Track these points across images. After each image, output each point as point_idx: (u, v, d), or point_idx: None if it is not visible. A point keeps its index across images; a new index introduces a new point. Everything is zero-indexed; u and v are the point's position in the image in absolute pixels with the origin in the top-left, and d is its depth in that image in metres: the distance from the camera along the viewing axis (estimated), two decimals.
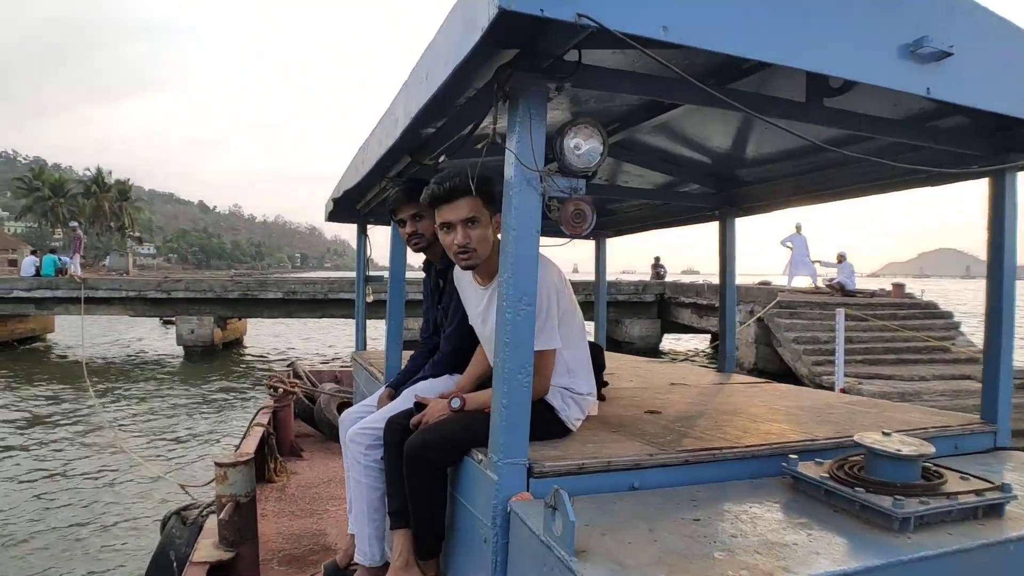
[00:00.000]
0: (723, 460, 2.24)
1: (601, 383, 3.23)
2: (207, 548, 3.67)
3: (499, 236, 2.43)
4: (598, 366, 3.14)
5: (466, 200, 2.34)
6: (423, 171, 3.13)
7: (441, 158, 2.75)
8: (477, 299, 2.60)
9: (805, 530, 1.73)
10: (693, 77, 2.20)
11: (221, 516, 3.60)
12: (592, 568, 1.49)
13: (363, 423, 2.78)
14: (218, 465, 3.68)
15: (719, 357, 4.62)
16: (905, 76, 1.94)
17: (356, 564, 2.91)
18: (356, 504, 2.81)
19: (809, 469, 2.06)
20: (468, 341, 2.81)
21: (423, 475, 2.29)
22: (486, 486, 2.00)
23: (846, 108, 2.43)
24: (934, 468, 2.02)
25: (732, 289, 4.52)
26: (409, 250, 3.44)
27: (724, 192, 4.27)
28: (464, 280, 2.67)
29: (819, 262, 19.82)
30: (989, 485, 1.93)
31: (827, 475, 1.99)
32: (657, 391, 3.64)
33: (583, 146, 1.91)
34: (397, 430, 2.50)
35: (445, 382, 2.89)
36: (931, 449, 1.95)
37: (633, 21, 1.51)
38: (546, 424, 2.35)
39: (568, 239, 2.45)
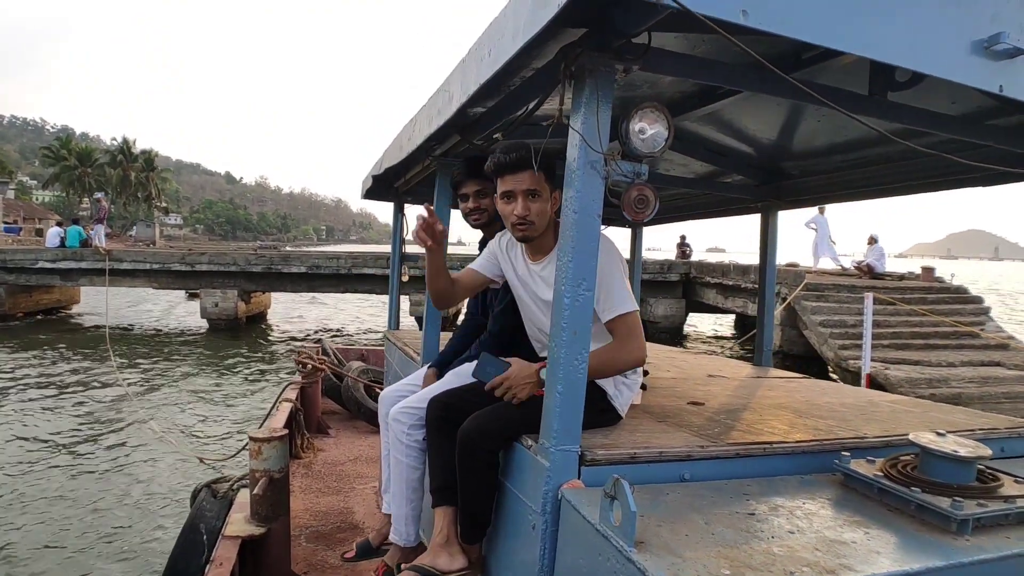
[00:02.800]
0: (773, 454, 2.22)
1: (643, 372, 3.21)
2: (239, 522, 3.70)
3: (554, 215, 2.42)
4: None
5: (530, 172, 2.34)
6: (471, 151, 3.12)
7: (496, 136, 2.72)
8: (523, 270, 2.60)
9: (861, 528, 1.71)
10: (751, 68, 2.18)
11: (255, 491, 3.62)
12: (652, 560, 1.47)
13: (406, 403, 2.77)
14: (253, 439, 3.70)
15: (755, 350, 4.58)
16: (978, 72, 1.89)
17: (390, 543, 2.91)
18: (395, 484, 2.81)
19: (861, 467, 2.04)
20: (516, 322, 2.80)
21: (476, 461, 2.28)
22: (536, 472, 1.99)
23: (906, 103, 2.39)
24: (988, 471, 1.98)
25: (771, 283, 4.48)
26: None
27: (768, 184, 4.21)
28: (513, 250, 2.66)
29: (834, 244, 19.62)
30: None
31: (880, 473, 1.96)
32: (696, 382, 3.62)
33: (648, 130, 1.89)
34: (441, 408, 2.49)
35: None
36: (988, 452, 1.92)
37: (714, 4, 1.48)
38: (598, 412, 2.33)
39: (604, 226, 2.43)
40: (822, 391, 3.50)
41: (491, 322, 3.02)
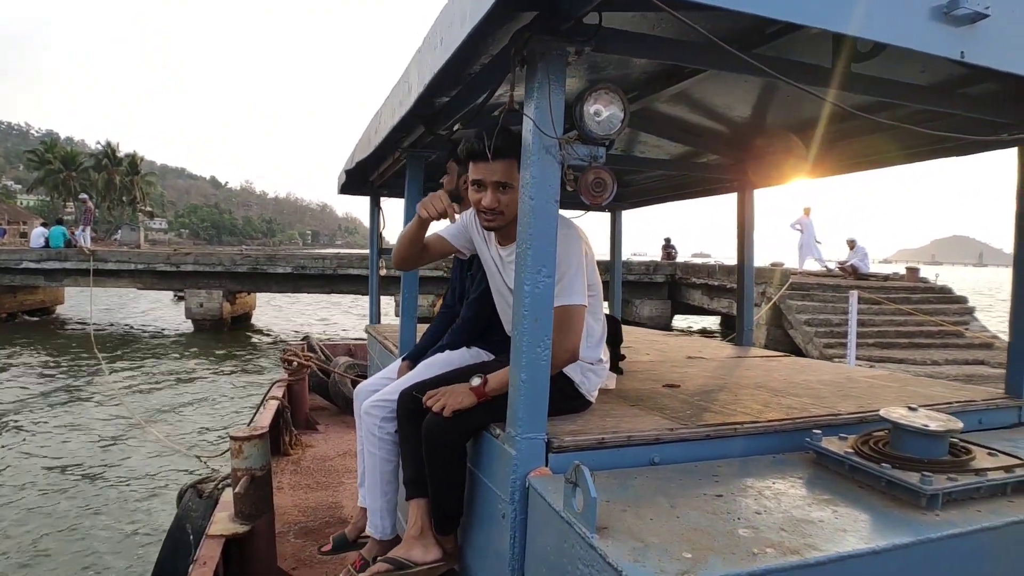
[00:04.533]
0: (744, 435, 2.20)
1: (618, 357, 3.19)
2: (223, 521, 3.68)
3: None
4: (616, 339, 3.10)
5: (502, 163, 2.29)
6: (436, 141, 3.08)
7: (455, 127, 2.68)
8: (496, 253, 2.56)
9: (830, 507, 1.69)
10: (711, 46, 2.14)
11: (237, 490, 3.60)
12: (613, 545, 1.45)
13: (378, 395, 2.74)
14: (233, 439, 3.67)
15: (736, 330, 4.57)
16: (938, 39, 1.86)
17: (367, 537, 2.89)
18: (369, 476, 2.79)
19: (833, 444, 2.02)
20: (490, 310, 2.77)
21: (443, 454, 2.25)
22: (504, 461, 1.97)
23: (874, 74, 2.36)
24: (961, 444, 1.97)
25: (751, 262, 4.46)
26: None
27: (743, 163, 4.19)
28: (484, 233, 2.62)
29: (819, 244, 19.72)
30: (1018, 461, 1.89)
31: (851, 450, 1.95)
32: (674, 364, 3.60)
33: (603, 112, 1.85)
34: (410, 400, 2.46)
35: (462, 355, 2.84)
36: (959, 424, 1.90)
37: None
38: (566, 399, 2.31)
39: (585, 211, 2.40)
40: (800, 369, 3.49)
41: (464, 308, 2.99)
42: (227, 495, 3.98)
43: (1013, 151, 2.69)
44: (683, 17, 1.48)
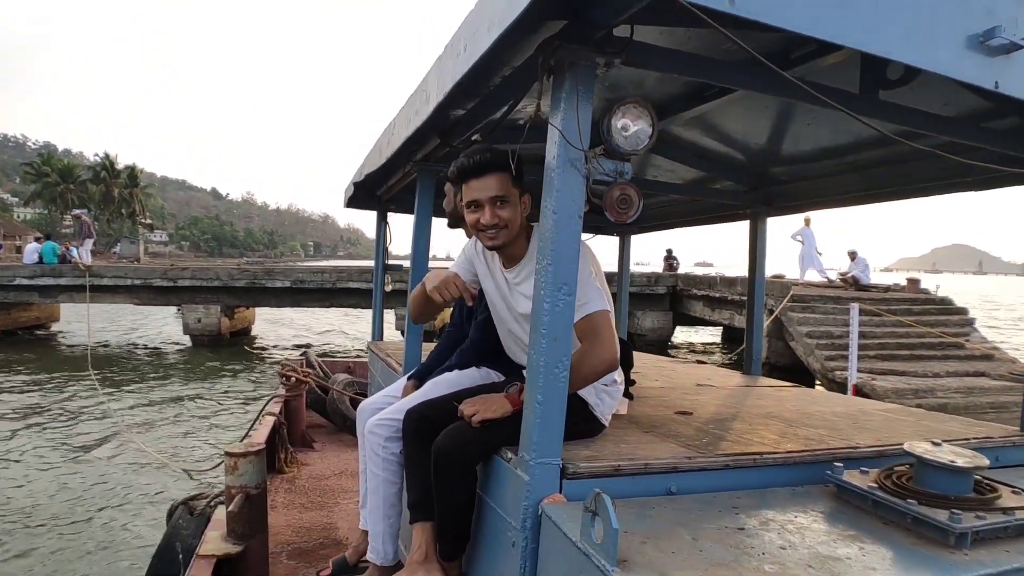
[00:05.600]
0: (764, 465, 2.13)
1: (629, 381, 3.12)
2: (215, 540, 3.58)
3: (525, 219, 2.33)
4: (627, 363, 3.03)
5: (496, 176, 2.23)
6: (450, 155, 3.03)
7: (475, 138, 2.63)
8: (500, 279, 2.49)
9: (856, 543, 1.62)
10: (742, 65, 2.10)
11: (230, 508, 3.51)
12: None
13: (383, 414, 2.67)
14: (228, 455, 3.59)
15: (744, 359, 4.50)
16: (973, 68, 1.81)
17: (367, 562, 2.81)
18: (372, 499, 2.71)
19: (855, 478, 1.95)
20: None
21: (452, 475, 2.17)
22: (516, 486, 1.89)
23: (901, 103, 2.32)
24: (986, 481, 1.91)
25: (760, 290, 4.41)
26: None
27: (757, 190, 4.15)
28: (487, 258, 2.55)
29: (820, 255, 19.72)
30: None
31: (875, 485, 1.88)
32: (685, 392, 3.54)
33: (631, 127, 1.80)
34: (417, 419, 2.39)
35: (471, 375, 2.77)
36: (985, 462, 1.84)
37: None
38: (580, 422, 2.23)
39: (595, 233, 2.34)
40: (812, 400, 3.43)
41: (473, 330, 2.92)
42: (220, 513, 3.89)
43: None
44: (724, 30, 1.43)
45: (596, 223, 5.53)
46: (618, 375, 2.41)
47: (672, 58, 1.95)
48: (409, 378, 3.10)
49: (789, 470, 2.16)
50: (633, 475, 1.96)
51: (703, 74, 2.07)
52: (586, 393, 2.26)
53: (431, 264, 3.53)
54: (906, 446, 1.93)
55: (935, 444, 1.92)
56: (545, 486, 1.83)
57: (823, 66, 2.27)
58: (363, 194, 4.87)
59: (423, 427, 2.34)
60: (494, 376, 2.71)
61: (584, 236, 2.29)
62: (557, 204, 1.78)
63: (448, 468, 2.16)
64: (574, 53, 1.72)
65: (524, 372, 2.10)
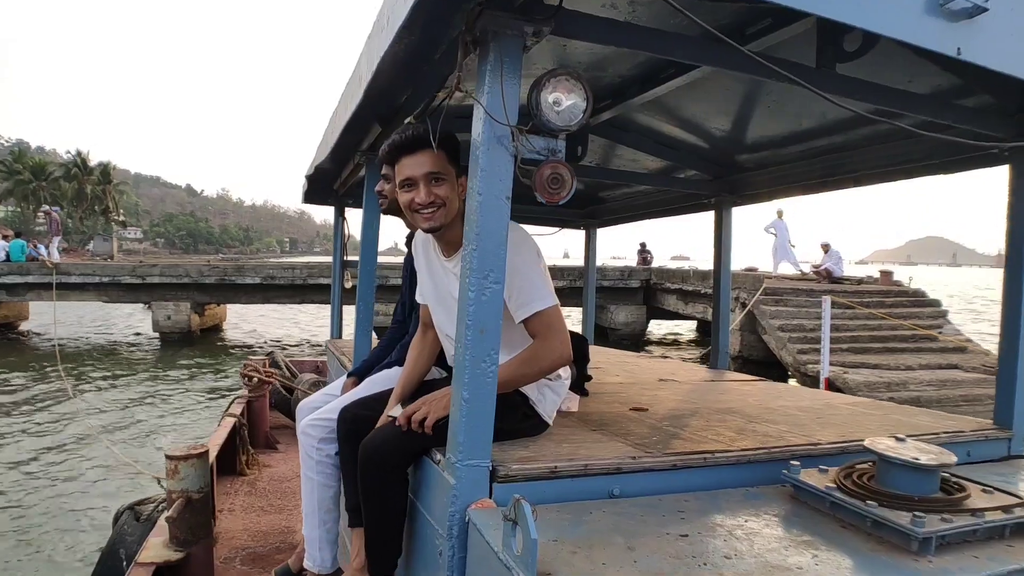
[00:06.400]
0: (715, 465, 1.99)
1: (584, 377, 2.98)
2: (156, 547, 3.42)
3: (463, 202, 2.16)
4: (581, 358, 2.89)
5: (429, 153, 2.06)
6: None
7: (408, 121, 2.46)
8: (438, 268, 2.30)
9: (810, 550, 1.48)
10: (694, 39, 1.96)
11: (170, 514, 3.34)
12: None
13: (317, 414, 2.51)
14: (169, 458, 3.42)
15: (711, 352, 4.37)
16: (933, 33, 1.68)
17: (306, 570, 2.65)
18: (307, 503, 2.55)
19: (812, 477, 1.82)
20: None
21: (381, 479, 2.00)
22: (443, 491, 1.74)
23: (861, 77, 2.18)
24: (953, 480, 1.77)
25: (727, 282, 4.27)
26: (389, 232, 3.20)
27: (722, 179, 4.02)
28: (427, 248, 2.37)
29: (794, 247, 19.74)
30: (1017, 500, 1.69)
31: (833, 485, 1.74)
32: (644, 387, 3.39)
33: (564, 101, 1.65)
34: (350, 420, 2.23)
35: None
36: (952, 458, 1.71)
37: None
38: (518, 419, 2.09)
39: (560, 227, 2.20)
40: (777, 394, 3.30)
41: (414, 323, 2.76)
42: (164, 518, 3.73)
43: (1003, 168, 2.53)
44: (675, 3, 1.28)
45: (561, 217, 5.44)
46: (564, 370, 2.26)
47: (606, 28, 1.79)
48: (349, 375, 2.94)
49: (743, 469, 2.02)
50: (572, 477, 1.81)
51: (647, 46, 1.90)
52: (527, 388, 2.12)
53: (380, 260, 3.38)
54: (867, 442, 1.79)
55: (898, 440, 1.79)
56: (473, 490, 1.68)
57: (780, 40, 2.13)
58: (319, 188, 4.71)
59: (357, 428, 2.18)
60: (435, 373, 2.54)
61: (550, 230, 2.13)
62: (483, 184, 1.63)
63: (377, 471, 1.99)
64: (498, 21, 1.56)
65: None
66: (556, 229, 4.49)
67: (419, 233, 2.40)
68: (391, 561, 2.09)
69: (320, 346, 22.04)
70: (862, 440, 2.13)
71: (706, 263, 21.01)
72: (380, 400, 2.25)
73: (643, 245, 26.04)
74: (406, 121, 2.44)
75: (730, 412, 2.74)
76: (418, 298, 2.48)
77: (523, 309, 1.99)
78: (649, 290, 21.68)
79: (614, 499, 1.82)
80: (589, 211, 5.32)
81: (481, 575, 1.55)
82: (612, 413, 2.63)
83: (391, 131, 2.75)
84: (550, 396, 2.18)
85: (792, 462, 1.87)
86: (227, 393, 13.64)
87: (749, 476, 2.00)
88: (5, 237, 24.15)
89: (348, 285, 5.58)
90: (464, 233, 1.70)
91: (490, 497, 1.70)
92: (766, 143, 3.56)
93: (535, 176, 1.64)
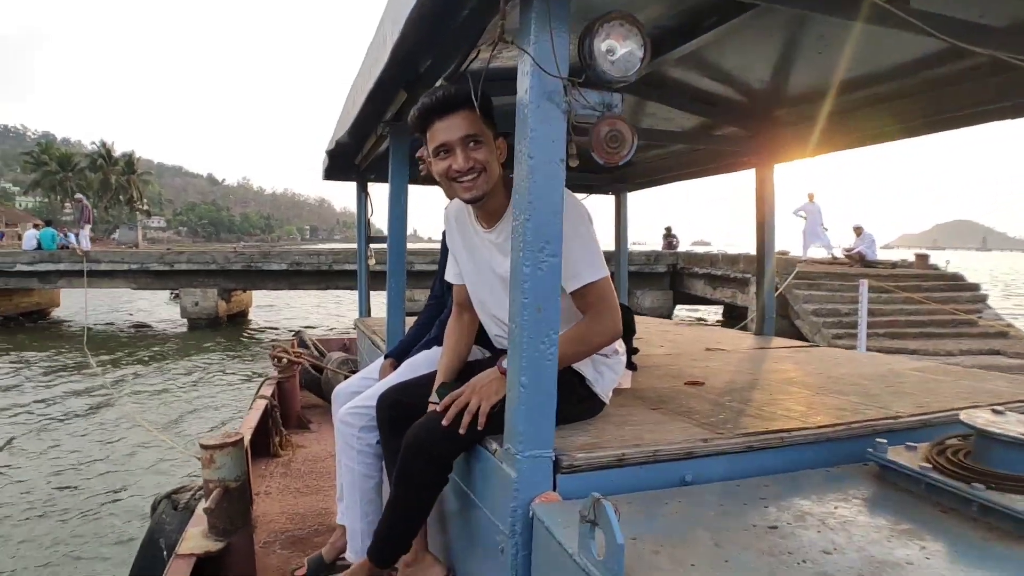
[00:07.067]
0: (792, 444, 1.83)
1: (632, 350, 2.81)
2: (195, 538, 3.31)
3: (503, 167, 1.96)
4: (629, 330, 2.73)
5: (464, 114, 1.86)
6: None
7: (439, 84, 2.28)
8: (478, 242, 2.11)
9: (914, 541, 1.32)
10: None
11: (208, 504, 3.23)
12: None
13: (356, 401, 2.38)
14: (204, 447, 3.30)
15: (756, 319, 4.19)
16: None
17: (346, 559, 2.53)
18: (348, 494, 2.43)
19: (901, 456, 1.65)
20: None
21: (424, 471, 1.86)
22: (503, 484, 1.60)
23: (933, 11, 1.97)
24: None
25: (771, 244, 4.08)
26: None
27: (762, 135, 3.80)
28: (461, 221, 2.18)
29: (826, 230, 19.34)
30: None
31: (928, 464, 1.57)
32: (693, 358, 3.23)
33: (618, 49, 1.47)
34: (390, 406, 2.09)
35: None
36: None
37: None
38: (576, 401, 1.93)
39: (588, 192, 2.02)
40: (835, 361, 3.12)
41: (450, 302, 2.61)
42: (202, 507, 3.64)
43: None
44: None
45: (587, 182, 5.24)
46: (619, 345, 2.09)
47: None
48: (386, 357, 2.80)
49: (822, 448, 1.86)
50: (641, 464, 1.66)
51: None
52: (582, 367, 1.95)
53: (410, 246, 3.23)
54: (963, 416, 1.61)
55: (996, 412, 1.61)
56: (536, 483, 1.54)
57: None
58: (340, 164, 4.56)
59: (397, 414, 2.05)
60: (477, 353, 2.37)
61: (578, 196, 1.96)
62: (533, 147, 1.46)
63: (423, 464, 1.84)
64: None
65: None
66: (584, 195, 4.32)
67: (449, 206, 2.24)
68: (396, 558, 1.99)
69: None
70: (945, 411, 1.97)
71: (729, 248, 20.69)
72: (421, 385, 2.10)
73: (668, 230, 25.70)
74: (437, 83, 2.26)
75: (791, 383, 2.57)
76: (451, 278, 2.30)
77: (573, 280, 1.81)
78: (676, 275, 21.31)
79: (687, 487, 1.67)
80: (618, 175, 5.10)
81: (550, 575, 1.41)
82: (667, 389, 2.47)
83: (416, 98, 2.59)
84: (608, 374, 2.01)
85: (878, 439, 1.69)
86: (255, 376, 13.69)
87: (829, 455, 1.84)
88: (36, 226, 24.49)
89: (372, 262, 5.47)
90: (514, 202, 1.53)
91: (554, 490, 1.55)
92: (811, 95, 3.34)
93: (592, 133, 1.48)
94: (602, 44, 1.47)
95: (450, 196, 2.56)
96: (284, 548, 4.18)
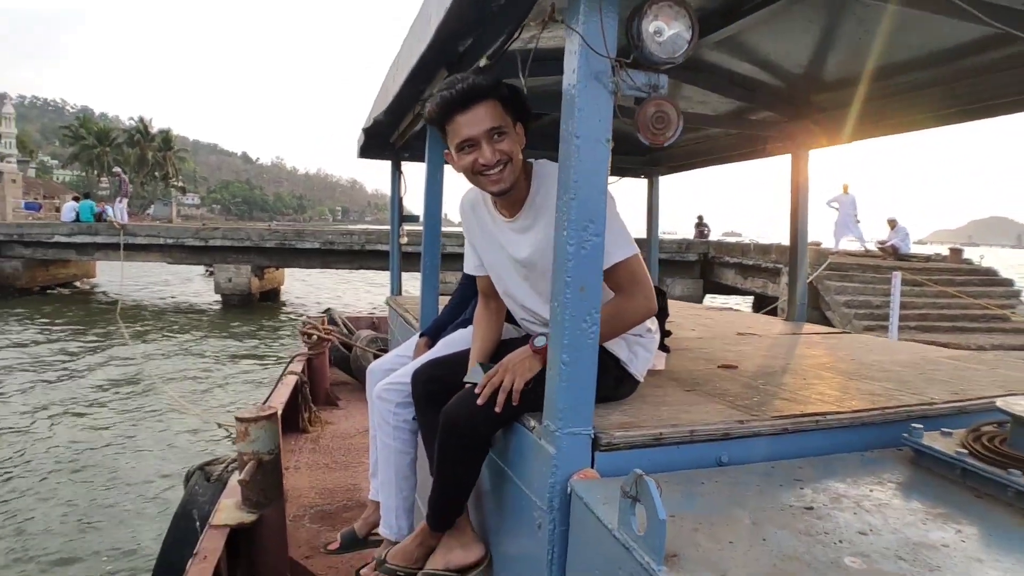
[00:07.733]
0: (827, 428, 1.84)
1: (664, 333, 2.83)
2: (229, 509, 3.41)
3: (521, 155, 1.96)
4: (661, 312, 2.74)
5: (486, 105, 1.84)
6: None
7: (480, 65, 2.27)
8: (499, 231, 2.10)
9: (950, 524, 1.34)
10: None
11: (242, 476, 3.31)
12: None
13: (392, 377, 2.41)
14: (239, 420, 3.38)
15: (788, 304, 4.18)
16: None
17: (379, 535, 2.57)
18: (383, 471, 2.46)
19: (936, 441, 1.66)
20: None
21: (462, 449, 1.89)
22: (541, 460, 1.62)
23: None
24: None
25: (804, 231, 4.06)
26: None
27: (798, 120, 3.78)
28: (478, 212, 2.17)
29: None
30: None
31: (964, 450, 1.58)
32: (725, 341, 3.24)
33: (666, 30, 1.48)
34: (424, 381, 2.12)
35: None
36: None
37: None
38: (611, 381, 1.94)
39: (620, 176, 2.03)
40: (868, 348, 3.12)
41: None
42: (235, 479, 3.72)
43: None
44: None
45: (620, 164, 5.22)
46: (652, 324, 2.10)
47: None
48: (421, 335, 2.83)
49: (857, 432, 1.87)
50: (678, 444, 1.68)
51: None
52: (616, 347, 1.97)
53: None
54: (1000, 403, 1.62)
55: None
56: (575, 460, 1.57)
57: None
58: (375, 142, 4.59)
59: (433, 388, 2.07)
60: (512, 332, 2.39)
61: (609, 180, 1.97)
62: (580, 126, 1.48)
63: (460, 441, 1.88)
64: None
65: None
66: (616, 179, 4.32)
67: (464, 197, 2.22)
68: (452, 520, 2.02)
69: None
70: (981, 398, 1.97)
71: (760, 239, 20.44)
72: (456, 361, 2.13)
73: (700, 218, 25.56)
74: (481, 63, 2.26)
75: (825, 368, 2.58)
76: (470, 270, 2.30)
77: (605, 259, 1.82)
78: (706, 264, 21.16)
79: (723, 467, 1.68)
80: (651, 158, 5.10)
81: (590, 552, 1.44)
82: (701, 371, 2.49)
83: None
84: (642, 354, 2.03)
85: (914, 424, 1.70)
86: (287, 351, 13.85)
87: (864, 439, 1.85)
88: (75, 199, 24.95)
89: (404, 240, 5.51)
90: (561, 181, 1.55)
91: (592, 467, 1.58)
92: (848, 81, 3.31)
93: (638, 114, 1.49)
94: (650, 25, 1.48)
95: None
96: (313, 522, 4.27)
